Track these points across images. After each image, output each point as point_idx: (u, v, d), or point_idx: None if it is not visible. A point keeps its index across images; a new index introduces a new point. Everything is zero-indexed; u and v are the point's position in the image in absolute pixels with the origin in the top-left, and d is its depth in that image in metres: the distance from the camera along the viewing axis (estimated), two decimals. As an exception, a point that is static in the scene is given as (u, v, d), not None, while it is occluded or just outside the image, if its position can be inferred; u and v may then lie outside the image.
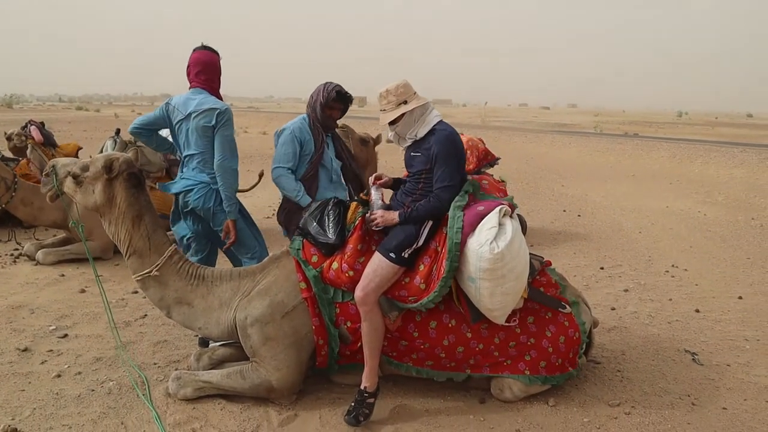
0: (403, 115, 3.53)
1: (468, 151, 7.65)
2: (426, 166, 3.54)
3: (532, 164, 19.10)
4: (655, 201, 12.16)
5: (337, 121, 5.00)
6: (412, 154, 3.64)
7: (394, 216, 3.55)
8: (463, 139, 7.90)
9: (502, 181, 3.90)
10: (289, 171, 4.47)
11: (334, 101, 4.48)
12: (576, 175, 16.46)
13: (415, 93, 3.57)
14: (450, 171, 3.48)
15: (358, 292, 3.47)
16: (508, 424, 3.56)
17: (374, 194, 3.74)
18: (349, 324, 3.65)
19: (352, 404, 3.54)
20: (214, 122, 4.19)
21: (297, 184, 4.47)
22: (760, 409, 3.80)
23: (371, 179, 3.84)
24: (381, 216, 3.58)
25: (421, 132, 3.56)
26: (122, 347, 4.37)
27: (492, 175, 3.89)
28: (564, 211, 11.12)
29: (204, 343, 4.41)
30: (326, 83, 4.51)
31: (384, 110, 3.57)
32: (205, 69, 4.35)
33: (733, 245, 8.48)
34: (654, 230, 9.49)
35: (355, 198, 3.89)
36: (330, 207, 3.73)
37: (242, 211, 4.53)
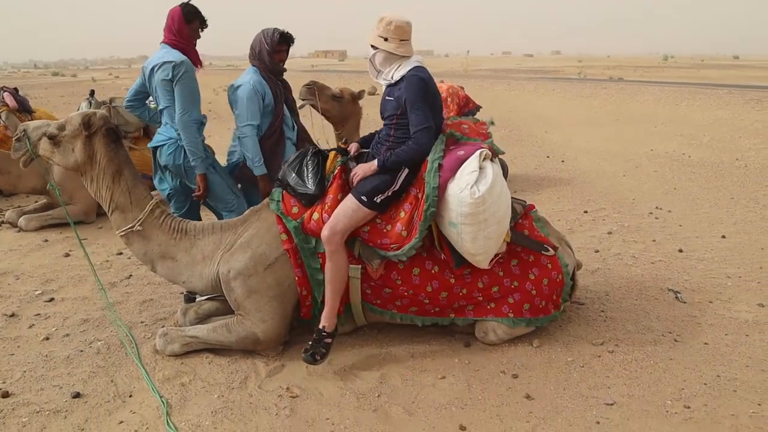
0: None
1: (448, 99, 7.59)
2: (397, 111, 3.50)
3: (516, 112, 19.00)
4: (640, 145, 12.16)
5: (309, 81, 4.91)
6: (386, 98, 3.60)
7: (371, 166, 3.52)
8: (443, 87, 7.83)
9: (492, 124, 3.87)
10: (255, 129, 4.43)
11: (279, 45, 4.48)
12: (560, 121, 16.41)
13: (404, 40, 3.49)
14: (424, 113, 3.42)
15: (325, 231, 3.46)
16: (492, 366, 3.62)
17: (352, 164, 3.71)
18: None
19: (310, 343, 3.56)
20: (171, 75, 4.14)
21: (256, 147, 4.44)
22: (741, 343, 3.87)
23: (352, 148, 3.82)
24: (359, 169, 3.56)
25: (396, 76, 3.51)
26: (110, 307, 4.37)
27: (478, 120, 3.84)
28: (548, 157, 11.13)
29: (190, 299, 4.42)
30: (264, 30, 4.49)
31: (372, 31, 3.55)
32: (168, 24, 4.28)
33: (717, 186, 8.54)
34: (638, 173, 9.52)
35: (335, 147, 3.85)
36: (309, 157, 3.70)
37: (216, 165, 4.49)
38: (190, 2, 4.33)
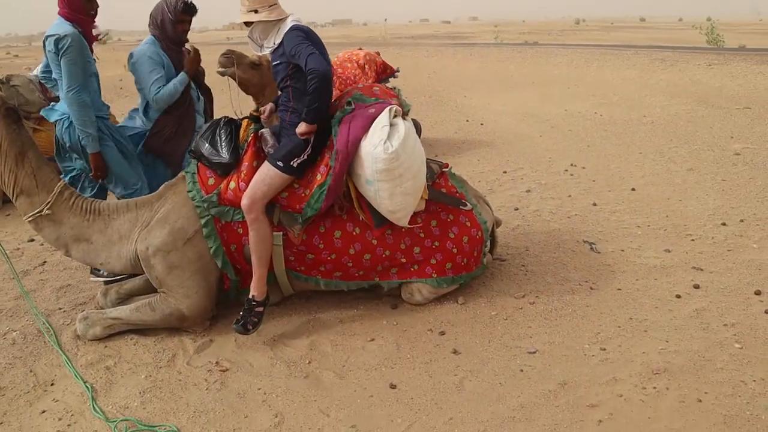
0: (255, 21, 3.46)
1: (366, 66, 7.57)
2: (288, 70, 3.47)
3: (434, 78, 19.14)
4: (554, 106, 12.52)
5: (226, 50, 4.72)
6: (274, 63, 3.56)
7: (302, 127, 3.43)
8: (360, 54, 7.80)
9: (398, 90, 3.88)
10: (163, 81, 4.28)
11: (182, 14, 4.30)
12: (478, 86, 16.65)
13: (273, 5, 3.45)
14: (305, 48, 3.31)
15: (245, 200, 3.43)
16: (420, 325, 3.70)
17: (266, 133, 3.65)
18: None
19: (241, 313, 3.54)
20: (54, 49, 3.92)
21: (169, 83, 4.29)
22: (650, 286, 4.11)
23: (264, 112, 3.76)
24: (299, 133, 3.47)
25: (277, 40, 3.47)
26: (25, 295, 4.17)
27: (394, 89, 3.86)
28: (467, 120, 11.30)
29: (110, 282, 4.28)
30: (166, 0, 4.29)
31: (240, 10, 3.50)
32: None
33: (626, 142, 8.91)
34: (553, 133, 9.82)
35: (247, 115, 3.79)
36: (221, 126, 3.63)
37: (121, 144, 4.31)
38: None
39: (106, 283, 4.19)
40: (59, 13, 4.01)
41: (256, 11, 3.42)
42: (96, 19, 4.19)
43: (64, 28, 3.93)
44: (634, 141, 8.95)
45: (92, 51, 4.21)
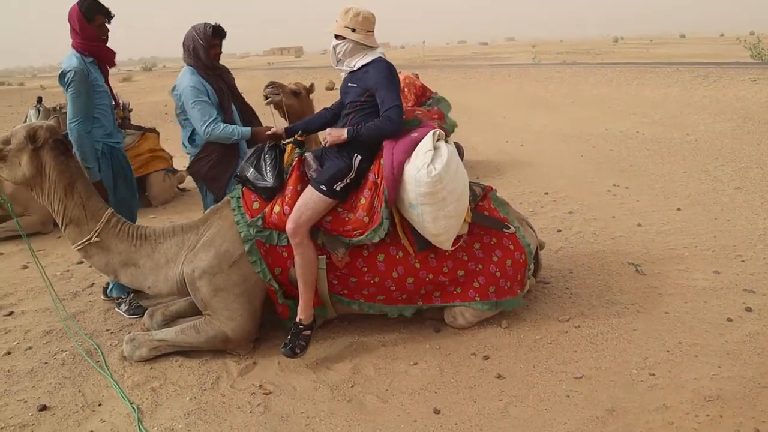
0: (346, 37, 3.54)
1: (405, 89, 7.62)
2: (361, 97, 3.55)
3: (474, 99, 19.13)
4: (595, 125, 12.39)
5: (269, 81, 4.74)
6: (348, 84, 3.64)
7: (342, 132, 3.52)
8: (400, 77, 7.86)
9: (448, 105, 3.93)
10: (218, 120, 4.28)
11: (213, 38, 4.32)
12: (517, 107, 16.59)
13: (370, 32, 3.57)
14: (393, 93, 3.47)
15: (289, 225, 3.46)
16: (463, 349, 3.66)
17: (309, 157, 3.69)
18: None
19: (288, 337, 3.57)
20: (61, 83, 4.03)
21: (229, 126, 4.27)
22: (700, 309, 4.00)
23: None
24: (329, 133, 3.56)
25: (359, 63, 3.56)
26: (69, 318, 4.28)
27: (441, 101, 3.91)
28: (507, 142, 11.25)
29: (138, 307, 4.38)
30: (194, 27, 4.34)
31: (336, 21, 3.57)
32: (71, 27, 4.08)
33: (670, 161, 8.75)
34: (595, 153, 9.70)
35: (291, 140, 3.84)
36: (266, 151, 3.69)
37: (122, 171, 4.38)
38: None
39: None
40: (72, 45, 4.09)
41: (353, 30, 3.52)
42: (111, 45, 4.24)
43: (70, 62, 4.01)
44: (678, 160, 8.79)
45: (107, 76, 4.30)
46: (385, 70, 3.49)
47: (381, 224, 3.47)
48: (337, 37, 3.59)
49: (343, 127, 3.64)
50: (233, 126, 4.27)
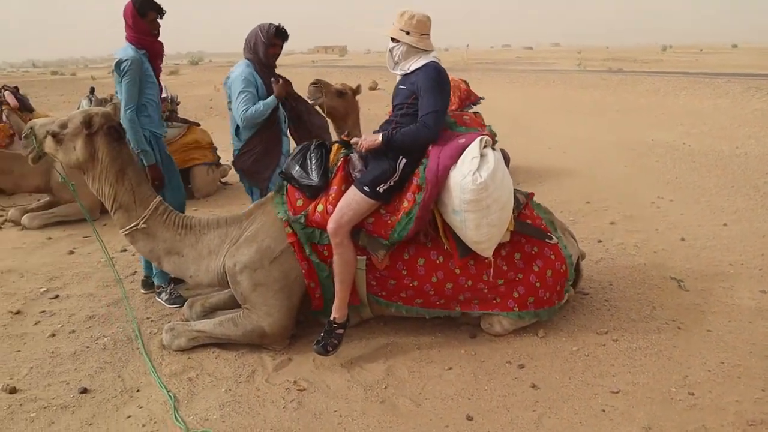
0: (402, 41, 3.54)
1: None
2: (408, 99, 3.54)
3: (517, 104, 18.98)
4: (640, 135, 12.15)
5: (315, 79, 4.84)
6: (399, 86, 3.65)
7: (376, 137, 3.53)
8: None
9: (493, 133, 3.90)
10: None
11: (275, 38, 4.52)
12: (560, 113, 16.39)
13: (425, 35, 3.56)
14: (434, 99, 3.45)
15: (331, 224, 3.48)
16: (498, 357, 3.64)
17: (354, 157, 3.71)
18: None
19: (322, 334, 3.60)
20: (117, 72, 4.18)
21: (257, 103, 4.42)
22: (744, 329, 3.89)
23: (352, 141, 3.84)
24: (364, 139, 3.58)
25: (413, 66, 3.56)
26: (126, 299, 4.36)
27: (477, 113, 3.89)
28: (549, 148, 11.12)
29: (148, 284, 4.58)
30: (260, 25, 4.55)
31: (393, 24, 3.58)
32: (126, 22, 4.26)
33: (717, 174, 8.53)
34: (639, 163, 9.52)
35: (337, 140, 3.87)
36: (312, 149, 3.71)
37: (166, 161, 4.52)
38: None
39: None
40: (126, 38, 4.26)
41: (408, 33, 3.52)
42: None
43: (126, 52, 4.18)
44: (726, 174, 8.56)
45: (158, 69, 4.46)
46: (432, 73, 3.48)
47: (408, 216, 3.46)
48: (393, 39, 3.59)
49: (384, 129, 3.66)
50: (259, 102, 4.42)
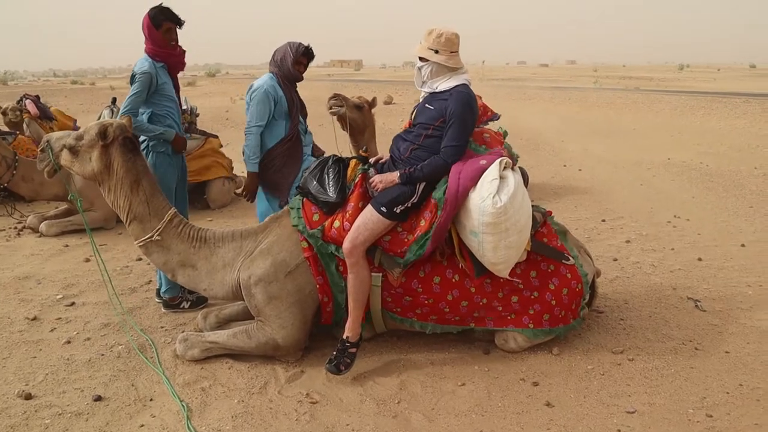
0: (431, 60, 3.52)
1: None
2: (436, 121, 3.50)
3: (532, 121, 18.94)
4: (657, 154, 12.09)
5: (333, 93, 4.93)
6: (426, 105, 3.60)
7: (393, 177, 3.51)
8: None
9: (505, 134, 3.88)
10: (261, 129, 4.58)
11: (302, 56, 4.68)
12: (576, 131, 16.33)
13: (454, 53, 3.51)
14: (461, 132, 3.45)
15: (346, 244, 3.47)
16: (512, 373, 3.61)
17: (372, 172, 3.72)
18: None
19: (334, 353, 3.58)
20: (131, 84, 4.26)
21: (259, 148, 4.59)
22: (762, 351, 3.84)
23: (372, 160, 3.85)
24: (380, 180, 3.56)
25: (442, 87, 3.52)
26: (126, 313, 4.41)
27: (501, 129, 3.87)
28: (564, 165, 11.10)
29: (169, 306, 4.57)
30: (290, 42, 4.72)
31: (420, 43, 3.55)
32: (144, 34, 4.32)
33: (735, 194, 8.46)
34: (655, 182, 9.47)
35: (355, 155, 3.88)
36: (330, 165, 3.71)
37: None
38: (158, 5, 4.29)
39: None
40: (145, 50, 4.32)
41: (436, 51, 3.48)
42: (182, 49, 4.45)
43: (142, 65, 4.25)
44: (744, 194, 8.49)
45: (176, 79, 4.54)
46: (464, 100, 3.44)
47: (425, 235, 3.44)
48: (421, 59, 3.55)
49: (404, 139, 3.65)
50: (257, 152, 4.58)
